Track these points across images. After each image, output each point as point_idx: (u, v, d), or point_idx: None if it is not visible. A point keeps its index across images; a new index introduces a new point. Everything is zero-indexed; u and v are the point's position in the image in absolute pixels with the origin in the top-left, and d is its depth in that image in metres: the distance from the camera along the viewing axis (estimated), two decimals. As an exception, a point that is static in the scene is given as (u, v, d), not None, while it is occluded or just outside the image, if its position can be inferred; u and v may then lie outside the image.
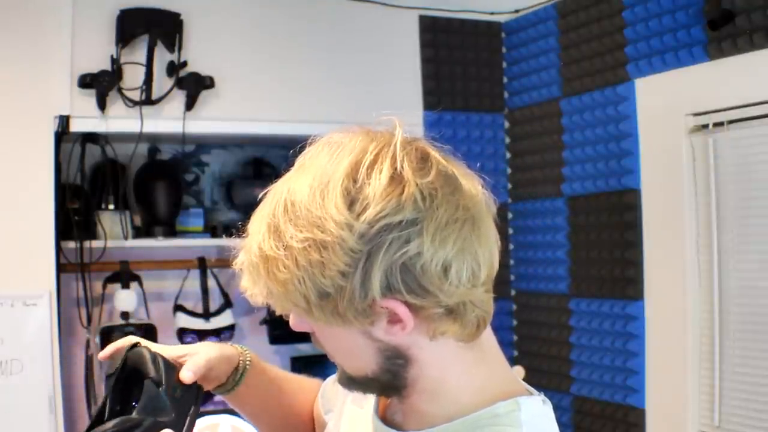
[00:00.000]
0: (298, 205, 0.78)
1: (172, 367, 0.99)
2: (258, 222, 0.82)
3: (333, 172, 0.78)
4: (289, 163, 0.85)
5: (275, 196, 0.82)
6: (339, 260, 0.75)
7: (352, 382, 0.87)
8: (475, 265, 0.78)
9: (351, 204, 0.76)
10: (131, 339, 1.02)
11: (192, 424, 0.97)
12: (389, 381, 0.84)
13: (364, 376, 0.85)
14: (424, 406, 0.86)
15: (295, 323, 0.86)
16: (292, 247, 0.77)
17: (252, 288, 0.83)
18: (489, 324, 0.85)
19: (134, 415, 0.91)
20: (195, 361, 1.01)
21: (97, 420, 0.95)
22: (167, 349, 1.03)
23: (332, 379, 1.14)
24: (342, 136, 0.82)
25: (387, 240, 0.75)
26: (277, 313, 0.84)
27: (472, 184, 0.82)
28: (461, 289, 0.78)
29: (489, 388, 0.85)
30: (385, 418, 0.94)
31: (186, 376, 0.98)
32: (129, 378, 0.98)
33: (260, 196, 0.85)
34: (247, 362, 1.09)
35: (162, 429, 0.90)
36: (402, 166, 0.77)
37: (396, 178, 0.76)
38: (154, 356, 0.98)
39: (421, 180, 0.77)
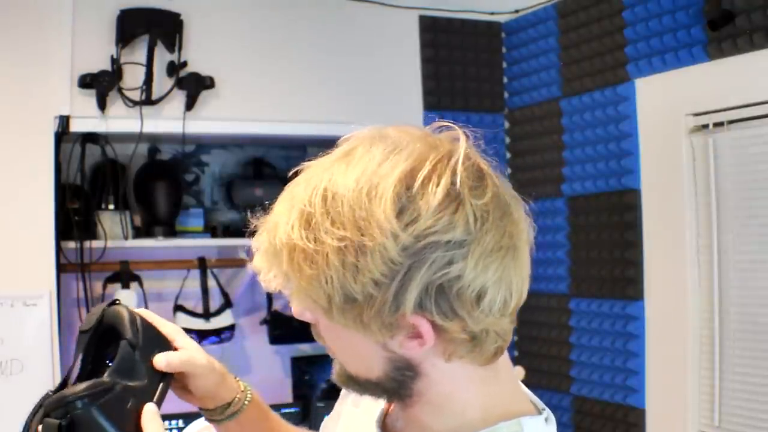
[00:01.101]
0: (340, 200, 0.73)
1: (152, 332, 0.95)
2: (288, 204, 0.77)
3: (385, 175, 0.73)
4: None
5: (312, 181, 0.76)
6: (375, 268, 0.71)
7: (351, 382, 0.84)
8: (508, 294, 0.76)
9: (400, 212, 0.71)
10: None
11: (164, 392, 0.93)
12: (393, 389, 0.81)
13: (367, 379, 0.82)
14: (426, 418, 0.84)
15: (299, 312, 0.82)
16: (325, 243, 0.72)
17: (267, 272, 0.79)
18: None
19: (106, 376, 0.86)
20: (176, 355, 0.96)
21: (68, 378, 0.91)
22: (157, 319, 0.99)
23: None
24: (399, 135, 0.77)
25: (430, 258, 0.71)
26: (291, 305, 0.81)
27: (519, 209, 0.78)
28: (490, 317, 0.75)
29: (495, 406, 0.82)
30: (385, 424, 0.92)
31: (160, 361, 0.93)
32: (104, 336, 0.93)
33: (291, 173, 0.81)
34: (245, 402, 1.04)
35: (133, 395, 0.87)
36: (459, 183, 0.73)
37: (451, 195, 0.72)
38: (132, 317, 0.93)
39: (476, 201, 0.73)
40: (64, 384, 0.90)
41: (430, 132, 0.79)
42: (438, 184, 0.72)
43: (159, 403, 0.91)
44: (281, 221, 0.76)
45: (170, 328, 1.00)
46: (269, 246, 0.77)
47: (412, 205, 0.72)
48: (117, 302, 0.96)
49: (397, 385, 0.81)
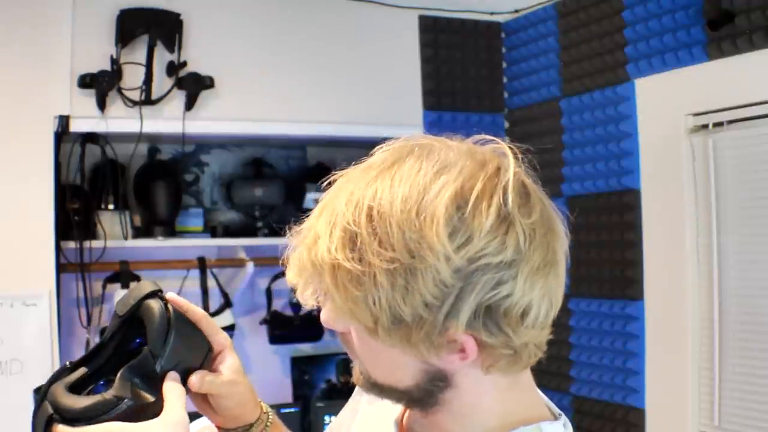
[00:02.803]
0: (387, 220, 0.71)
1: (185, 338, 0.88)
2: (328, 219, 0.74)
3: (437, 194, 0.71)
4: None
5: (354, 196, 0.73)
6: (426, 291, 0.70)
7: (375, 388, 0.82)
8: (549, 308, 0.76)
9: (452, 234, 0.70)
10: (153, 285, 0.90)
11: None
12: (420, 397, 0.80)
13: (394, 387, 0.80)
14: (449, 425, 0.83)
15: (328, 320, 0.79)
16: (372, 264, 0.70)
17: (304, 288, 0.77)
18: None
19: (115, 385, 0.82)
20: (209, 380, 0.91)
21: (90, 356, 0.88)
22: (212, 326, 0.94)
23: None
24: (445, 149, 0.76)
25: (482, 280, 0.71)
26: (326, 317, 0.78)
27: (560, 222, 0.79)
28: (533, 331, 0.75)
29: (516, 412, 0.82)
30: (402, 427, 0.91)
31: (195, 383, 0.89)
32: (136, 323, 0.89)
33: (325, 183, 0.78)
34: (267, 424, 1.02)
35: (139, 411, 0.82)
36: (510, 203, 0.72)
37: (502, 215, 0.71)
38: (164, 322, 0.86)
39: (525, 220, 0.73)
40: (88, 359, 0.88)
41: (473, 145, 0.78)
42: (490, 205, 0.71)
43: None
44: (322, 238, 0.74)
45: (222, 338, 0.96)
46: (308, 263, 0.75)
47: (464, 226, 0.70)
48: (159, 293, 0.89)
49: (425, 394, 0.80)
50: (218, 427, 1.01)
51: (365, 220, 0.72)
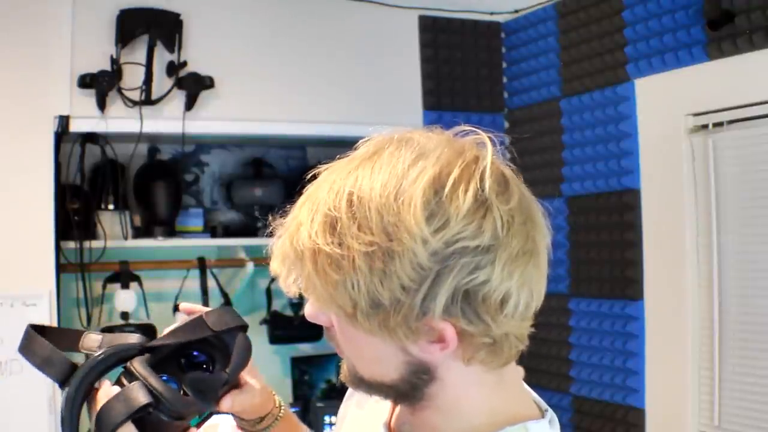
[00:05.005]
0: (367, 205, 0.72)
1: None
2: (310, 208, 0.76)
3: (414, 179, 0.72)
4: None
5: (336, 185, 0.75)
6: (404, 273, 0.71)
7: (362, 384, 0.83)
8: (530, 298, 0.76)
9: (429, 217, 0.71)
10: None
11: (204, 420, 0.97)
12: (406, 391, 0.81)
13: (380, 382, 0.81)
14: (437, 422, 0.83)
15: (313, 314, 0.81)
16: (351, 248, 0.72)
17: (286, 277, 0.78)
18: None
19: (187, 383, 0.89)
20: (239, 400, 0.98)
21: (154, 347, 0.90)
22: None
23: None
24: (424, 139, 0.77)
25: (459, 263, 0.71)
26: (310, 310, 0.80)
27: (539, 213, 0.79)
28: (512, 321, 0.75)
29: (502, 410, 0.82)
30: (390, 427, 0.91)
31: (226, 405, 0.96)
32: (212, 340, 0.94)
33: (308, 176, 0.80)
34: (279, 415, 1.07)
35: (192, 412, 0.90)
36: (487, 188, 0.73)
37: (479, 200, 0.72)
38: (248, 359, 0.95)
39: (502, 206, 0.73)
40: (152, 349, 0.90)
41: (453, 136, 0.79)
42: (467, 190, 0.72)
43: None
44: (303, 225, 0.75)
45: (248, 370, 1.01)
46: (290, 250, 0.76)
47: (442, 210, 0.71)
48: (246, 329, 0.98)
49: (411, 387, 0.80)
50: (235, 417, 1.06)
51: (345, 206, 0.73)
